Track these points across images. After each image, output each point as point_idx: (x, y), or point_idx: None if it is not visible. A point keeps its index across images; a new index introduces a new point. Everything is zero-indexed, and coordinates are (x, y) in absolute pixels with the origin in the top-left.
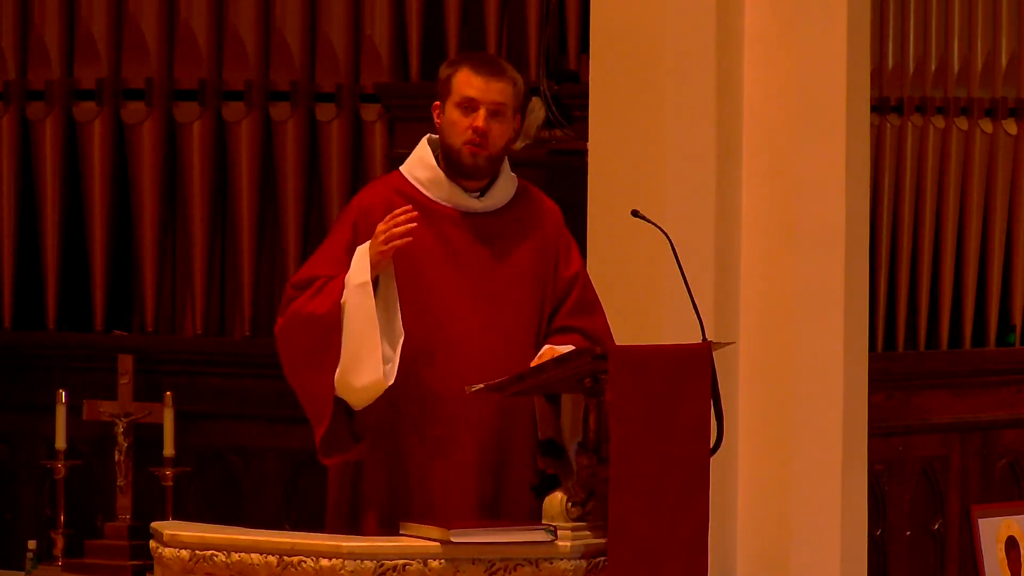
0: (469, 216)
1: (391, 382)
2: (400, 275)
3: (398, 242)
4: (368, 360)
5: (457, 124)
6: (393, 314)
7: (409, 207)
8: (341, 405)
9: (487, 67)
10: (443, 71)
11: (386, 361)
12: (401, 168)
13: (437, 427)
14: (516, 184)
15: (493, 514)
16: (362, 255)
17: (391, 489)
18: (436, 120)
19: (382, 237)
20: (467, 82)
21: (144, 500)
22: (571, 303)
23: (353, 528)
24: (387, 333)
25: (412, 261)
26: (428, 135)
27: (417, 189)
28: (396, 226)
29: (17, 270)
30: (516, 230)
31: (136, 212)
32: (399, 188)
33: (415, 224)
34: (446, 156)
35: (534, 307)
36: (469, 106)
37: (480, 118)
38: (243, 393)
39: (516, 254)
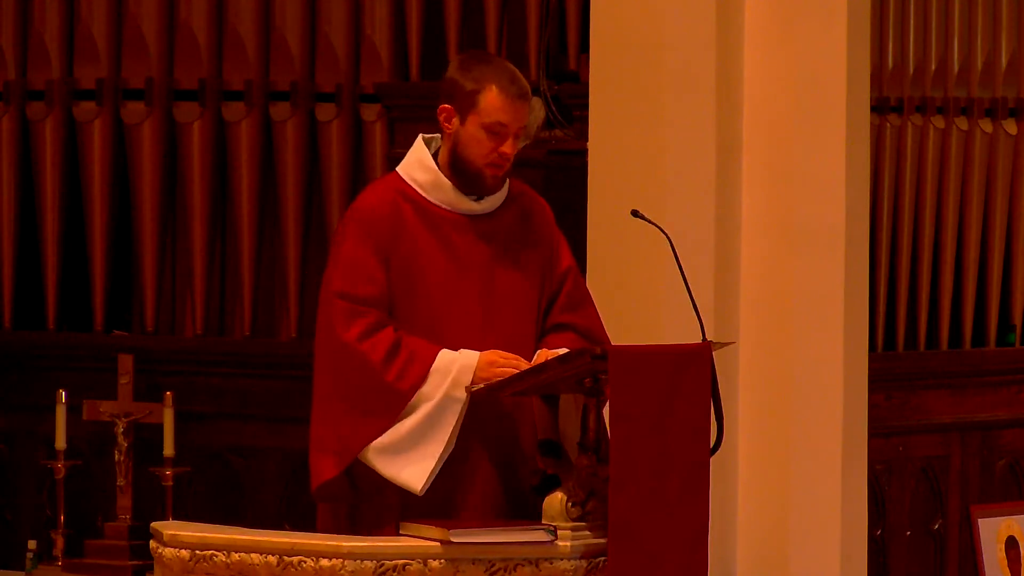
0: (468, 218)
1: (421, 494)
2: (403, 278)
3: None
4: (416, 465)
5: (483, 144)
6: (456, 430)
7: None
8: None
9: (515, 89)
10: (465, 81)
11: (432, 474)
12: (398, 169)
13: None
14: (508, 183)
15: (497, 514)
16: (467, 368)
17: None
18: (445, 125)
19: (499, 369)
20: (499, 106)
21: (144, 500)
22: (563, 298)
23: (350, 528)
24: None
25: (414, 264)
26: (421, 135)
27: (416, 191)
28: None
29: (17, 270)
30: (513, 229)
31: (136, 212)
32: (399, 189)
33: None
34: (459, 168)
35: (534, 305)
36: (499, 132)
37: (509, 145)
38: (243, 393)
39: (515, 253)
